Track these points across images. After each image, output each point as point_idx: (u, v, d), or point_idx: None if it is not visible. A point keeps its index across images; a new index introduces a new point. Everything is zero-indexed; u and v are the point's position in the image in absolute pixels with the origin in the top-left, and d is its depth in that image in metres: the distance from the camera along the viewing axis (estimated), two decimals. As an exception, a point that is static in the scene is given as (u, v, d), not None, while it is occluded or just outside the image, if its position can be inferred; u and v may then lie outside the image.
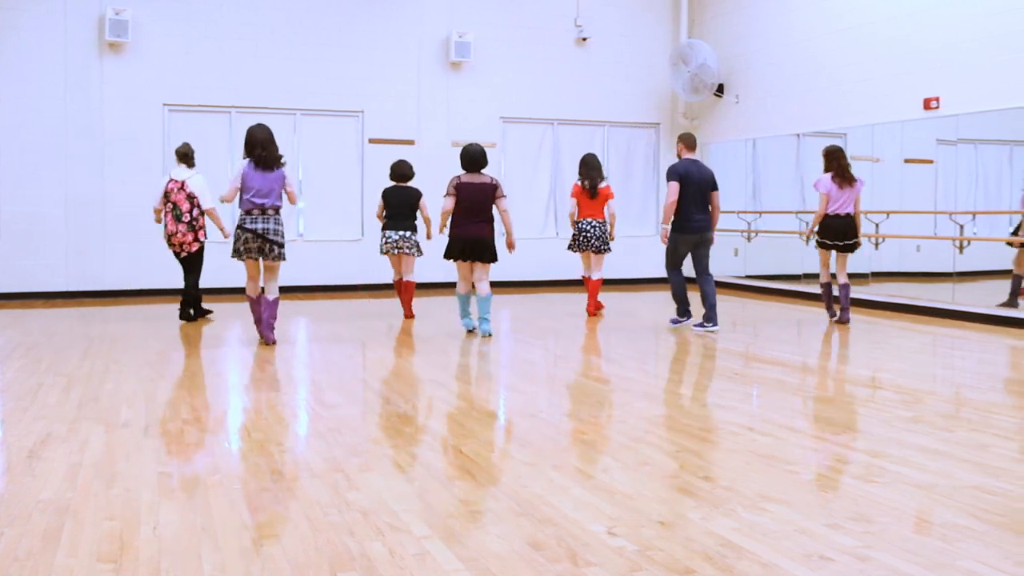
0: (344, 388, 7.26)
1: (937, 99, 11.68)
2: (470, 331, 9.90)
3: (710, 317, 10.22)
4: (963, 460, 5.01)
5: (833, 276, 10.97)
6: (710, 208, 10.15)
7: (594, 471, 4.81)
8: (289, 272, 14.28)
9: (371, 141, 14.77)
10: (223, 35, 13.97)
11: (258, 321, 9.19)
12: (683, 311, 10.44)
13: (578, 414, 6.42)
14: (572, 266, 15.52)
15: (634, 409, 6.59)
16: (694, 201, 10.02)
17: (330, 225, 14.71)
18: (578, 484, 4.56)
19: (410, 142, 14.84)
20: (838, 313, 10.92)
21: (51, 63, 13.24)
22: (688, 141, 10.26)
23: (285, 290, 14.10)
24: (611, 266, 15.30)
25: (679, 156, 10.25)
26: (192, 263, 10.87)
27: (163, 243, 10.95)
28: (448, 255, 9.67)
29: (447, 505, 4.24)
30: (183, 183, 10.66)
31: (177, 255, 10.83)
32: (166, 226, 10.70)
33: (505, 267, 14.86)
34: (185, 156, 10.77)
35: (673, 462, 4.99)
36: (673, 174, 10.00)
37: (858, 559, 3.57)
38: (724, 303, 13.66)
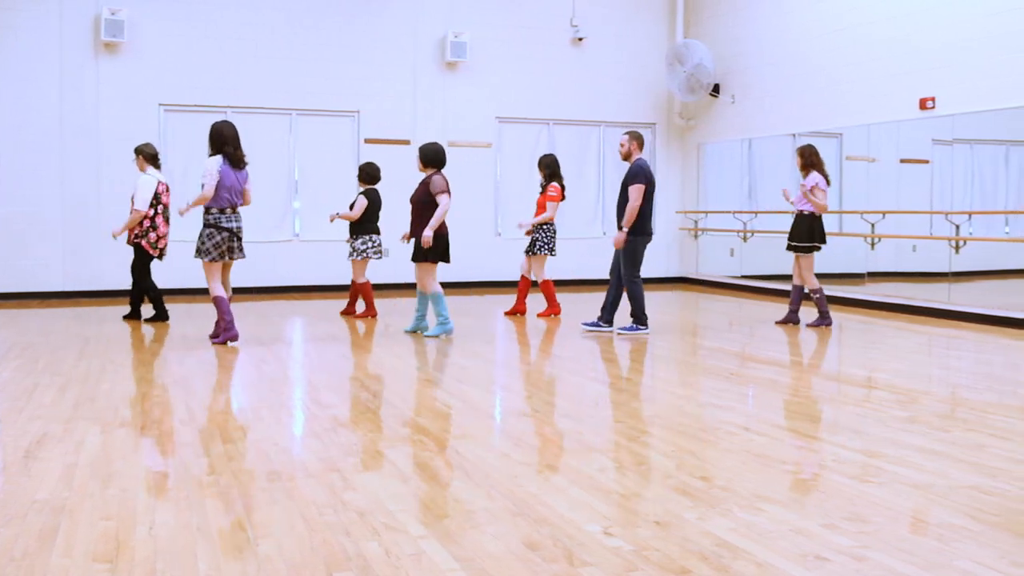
0: (340, 388, 7.26)
1: (933, 99, 11.69)
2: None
3: (611, 319, 10.14)
4: (959, 460, 5.01)
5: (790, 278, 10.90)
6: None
7: (590, 471, 4.81)
8: (285, 272, 14.34)
9: (367, 141, 14.76)
10: (219, 35, 13.96)
11: (232, 321, 9.08)
12: (644, 319, 9.99)
13: (574, 414, 6.42)
14: (567, 266, 15.57)
15: (630, 409, 6.59)
16: (651, 203, 9.84)
17: (326, 225, 14.66)
18: (574, 484, 4.56)
19: (406, 142, 14.83)
20: (787, 314, 10.83)
21: (47, 63, 13.22)
22: (641, 140, 10.07)
23: (281, 290, 14.14)
24: (604, 267, 15.32)
25: (630, 155, 9.93)
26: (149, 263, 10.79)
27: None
28: (441, 257, 9.46)
29: (443, 505, 4.24)
30: (167, 185, 10.64)
31: (156, 257, 10.62)
32: (155, 228, 10.50)
33: (500, 267, 14.92)
34: (156, 157, 10.71)
35: (669, 462, 4.99)
36: (643, 176, 9.69)
37: (854, 559, 3.57)
38: (720, 303, 13.67)
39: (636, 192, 9.63)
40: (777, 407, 6.59)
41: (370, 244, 11.07)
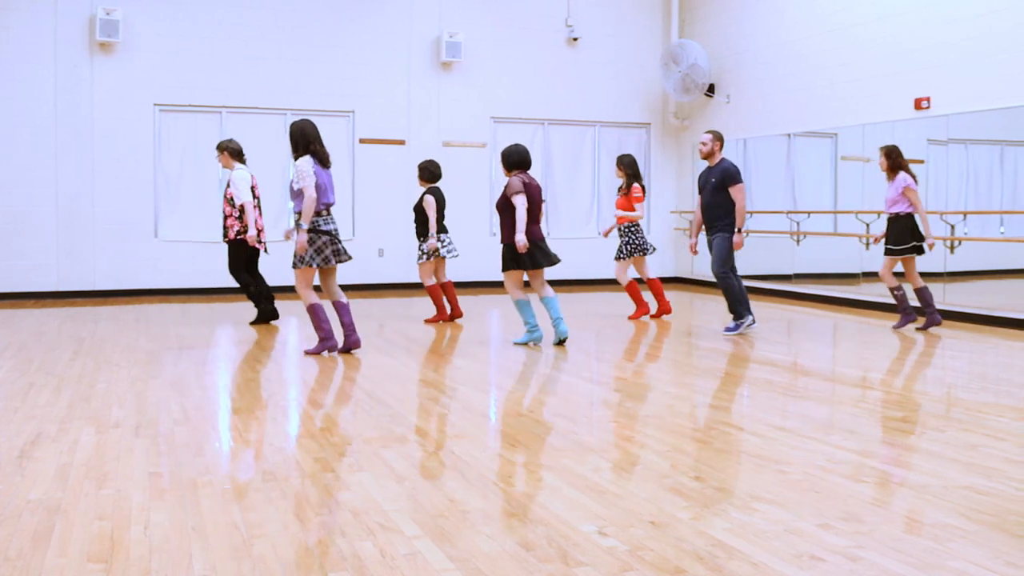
0: (335, 388, 7.25)
1: (928, 99, 11.71)
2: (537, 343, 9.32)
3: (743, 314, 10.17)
4: (953, 460, 5.02)
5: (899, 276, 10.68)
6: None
7: (585, 471, 4.81)
8: (279, 272, 14.30)
9: (362, 141, 14.75)
10: (214, 35, 13.95)
11: (330, 330, 8.59)
12: (747, 310, 10.06)
13: (568, 414, 6.41)
14: (564, 266, 15.53)
15: (625, 409, 6.60)
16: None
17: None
18: (569, 484, 4.56)
19: (400, 142, 14.84)
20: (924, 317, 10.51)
21: (41, 63, 13.20)
22: (723, 138, 10.13)
23: (276, 290, 14.10)
24: (602, 267, 15.32)
25: (712, 154, 9.98)
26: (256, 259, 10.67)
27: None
28: (525, 264, 8.96)
29: (438, 505, 4.24)
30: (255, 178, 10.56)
31: (263, 251, 10.53)
32: (255, 222, 10.36)
33: (495, 267, 14.90)
34: (241, 153, 10.51)
35: (664, 462, 4.99)
36: (740, 175, 9.85)
37: (848, 559, 3.58)
38: (715, 303, 13.68)
39: (742, 193, 9.83)
40: (772, 407, 6.59)
41: (446, 244, 10.75)
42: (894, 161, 10.27)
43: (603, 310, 12.29)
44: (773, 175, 14.99)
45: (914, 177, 10.21)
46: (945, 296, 11.64)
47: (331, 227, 8.43)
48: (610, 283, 15.37)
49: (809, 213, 13.88)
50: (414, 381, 7.62)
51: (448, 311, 11.02)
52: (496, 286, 14.77)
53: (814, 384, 7.65)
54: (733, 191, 9.78)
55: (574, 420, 6.20)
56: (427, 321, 10.99)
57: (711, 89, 15.57)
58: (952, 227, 11.53)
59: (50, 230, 13.38)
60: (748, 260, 15.21)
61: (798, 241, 13.94)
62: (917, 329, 10.48)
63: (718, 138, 10.05)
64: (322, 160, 8.44)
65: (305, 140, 8.41)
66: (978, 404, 6.61)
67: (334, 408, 6.42)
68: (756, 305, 13.33)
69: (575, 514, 4.09)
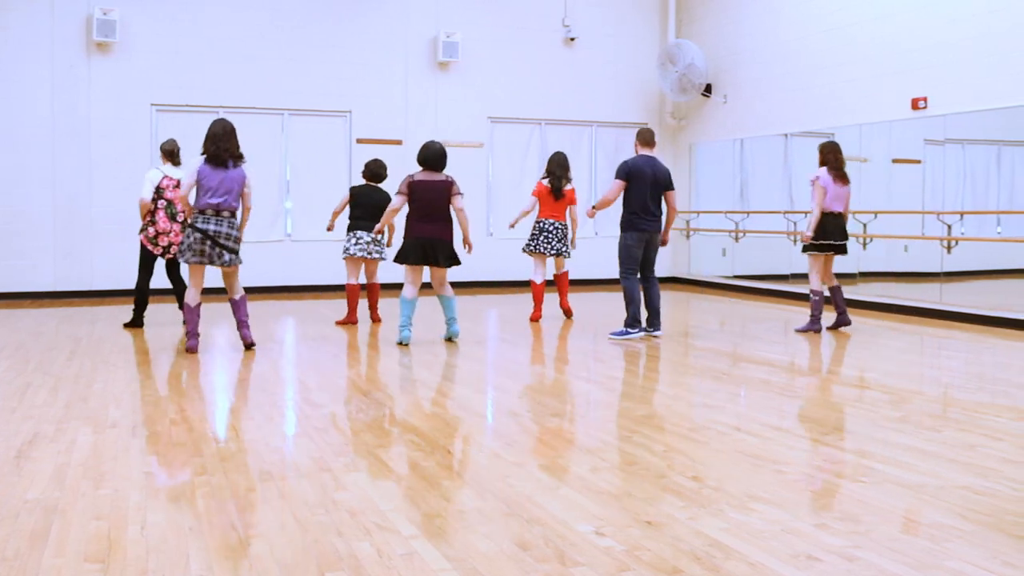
0: (331, 388, 7.25)
1: (925, 99, 11.71)
2: (406, 344, 9.21)
3: (653, 322, 9.88)
4: (951, 460, 5.02)
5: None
6: (664, 208, 9.82)
7: (581, 471, 4.81)
8: (277, 272, 14.33)
9: (359, 141, 14.75)
10: (211, 35, 13.94)
11: (193, 330, 8.60)
12: (635, 320, 9.74)
13: (565, 414, 6.42)
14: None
15: (621, 409, 6.60)
16: (647, 200, 9.62)
17: (318, 225, 14.66)
18: (565, 484, 4.56)
19: (397, 142, 14.82)
20: (835, 318, 10.37)
21: (38, 63, 13.19)
22: (645, 137, 9.88)
23: (273, 290, 14.12)
24: (599, 267, 15.33)
25: (636, 152, 9.88)
26: (176, 263, 10.62)
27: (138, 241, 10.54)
28: (401, 259, 9.04)
29: (434, 505, 4.24)
30: (178, 181, 10.43)
31: (160, 256, 10.25)
32: (154, 223, 10.20)
33: (492, 267, 14.94)
34: (172, 153, 10.48)
35: (661, 462, 4.99)
36: (621, 172, 9.64)
37: (845, 559, 3.58)
38: (712, 303, 13.70)
39: (614, 186, 9.69)
40: (768, 407, 6.59)
41: (352, 241, 10.48)
42: (823, 156, 10.17)
43: (601, 309, 12.30)
44: (770, 175, 15.00)
45: (837, 177, 10.02)
46: (942, 296, 11.65)
47: (209, 227, 8.32)
48: (608, 283, 15.39)
49: (806, 213, 13.86)
50: (410, 380, 7.62)
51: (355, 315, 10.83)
52: (495, 286, 14.79)
53: (811, 384, 7.66)
54: (612, 182, 9.77)
55: (571, 420, 6.20)
56: (338, 323, 10.82)
57: (708, 89, 15.57)
58: (949, 227, 11.54)
59: (47, 230, 13.37)
60: (745, 260, 15.27)
61: (795, 241, 13.95)
62: (828, 328, 10.38)
63: (637, 135, 9.95)
64: (213, 159, 8.33)
65: (205, 139, 8.45)
66: (975, 404, 6.61)
67: (330, 408, 6.41)
68: (754, 305, 13.34)
69: (572, 514, 4.09)
